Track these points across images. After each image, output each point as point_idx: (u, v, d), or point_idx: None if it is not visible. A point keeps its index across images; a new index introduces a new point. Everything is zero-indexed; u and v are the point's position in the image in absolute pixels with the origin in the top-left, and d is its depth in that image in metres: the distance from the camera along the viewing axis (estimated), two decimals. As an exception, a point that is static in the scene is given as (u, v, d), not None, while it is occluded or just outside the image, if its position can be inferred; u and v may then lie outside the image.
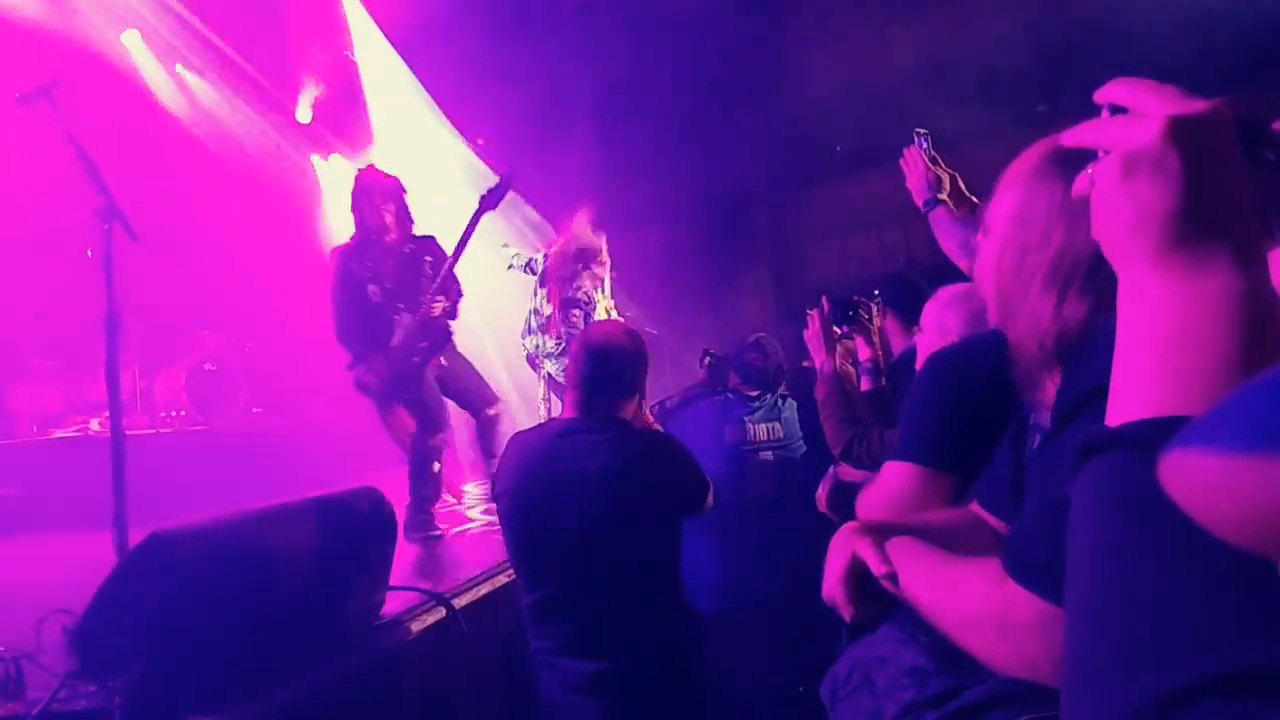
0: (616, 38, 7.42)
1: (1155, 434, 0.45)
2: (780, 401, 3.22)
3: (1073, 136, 0.57)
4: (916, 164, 2.07)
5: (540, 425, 2.29)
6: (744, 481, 3.07)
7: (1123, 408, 0.50)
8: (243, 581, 1.79)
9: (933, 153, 2.12)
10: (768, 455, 3.11)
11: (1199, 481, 0.35)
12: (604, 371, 2.11)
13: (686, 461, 2.21)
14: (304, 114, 8.00)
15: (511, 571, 2.69)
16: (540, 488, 2.05)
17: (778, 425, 3.15)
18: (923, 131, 2.14)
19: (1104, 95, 0.55)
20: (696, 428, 3.12)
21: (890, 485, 1.38)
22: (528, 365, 5.27)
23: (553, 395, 4.91)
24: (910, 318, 2.65)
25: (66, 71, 2.77)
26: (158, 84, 7.18)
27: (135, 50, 6.90)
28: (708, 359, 3.43)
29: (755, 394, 3.17)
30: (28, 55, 5.30)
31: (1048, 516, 0.77)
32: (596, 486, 1.99)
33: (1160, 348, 0.49)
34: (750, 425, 3.12)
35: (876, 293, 4.07)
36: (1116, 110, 0.55)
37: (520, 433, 2.25)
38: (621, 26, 7.43)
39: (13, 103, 2.75)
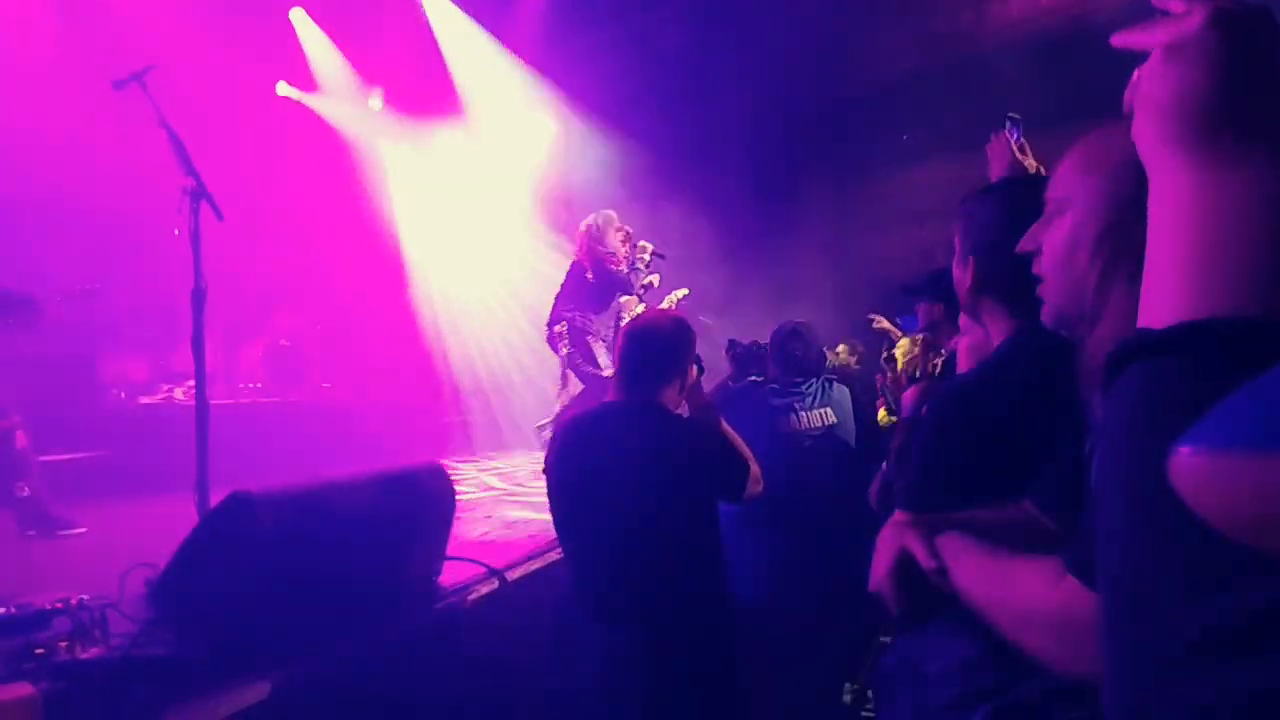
0: (677, 24, 7.38)
1: (1188, 338, 0.44)
2: (828, 385, 3.11)
3: (1123, 39, 0.55)
4: (1003, 151, 1.95)
5: (589, 408, 2.33)
6: (802, 471, 2.97)
7: (1152, 312, 0.48)
8: (314, 543, 1.88)
9: (1022, 140, 1.99)
10: (825, 442, 3.02)
11: (1208, 481, 0.34)
12: (643, 357, 2.16)
13: (723, 446, 2.24)
14: (376, 103, 8.22)
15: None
16: (580, 467, 2.11)
17: (829, 410, 3.05)
18: (1015, 117, 2.00)
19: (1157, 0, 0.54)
20: (748, 421, 3.02)
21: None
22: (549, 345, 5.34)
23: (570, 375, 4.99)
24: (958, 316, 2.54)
25: (158, 57, 2.90)
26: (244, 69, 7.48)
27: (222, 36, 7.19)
28: (736, 348, 3.31)
29: (800, 380, 3.07)
30: (121, 41, 5.58)
31: None
32: (630, 467, 2.02)
33: (1190, 246, 0.47)
34: (803, 414, 3.03)
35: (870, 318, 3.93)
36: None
37: (570, 414, 2.31)
38: (683, 14, 7.39)
39: (108, 87, 2.91)
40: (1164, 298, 0.47)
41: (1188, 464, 0.34)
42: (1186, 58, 0.50)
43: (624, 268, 4.89)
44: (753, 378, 3.21)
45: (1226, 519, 0.33)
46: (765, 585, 2.93)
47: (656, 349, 2.17)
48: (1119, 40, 0.56)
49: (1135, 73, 0.55)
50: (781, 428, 3.00)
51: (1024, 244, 0.96)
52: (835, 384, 3.16)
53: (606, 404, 2.26)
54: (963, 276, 1.41)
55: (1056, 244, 0.90)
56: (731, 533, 3.04)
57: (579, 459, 2.13)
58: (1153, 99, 0.52)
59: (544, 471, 2.26)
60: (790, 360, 3.09)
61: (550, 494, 2.21)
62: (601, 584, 2.11)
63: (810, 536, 2.92)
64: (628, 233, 5.03)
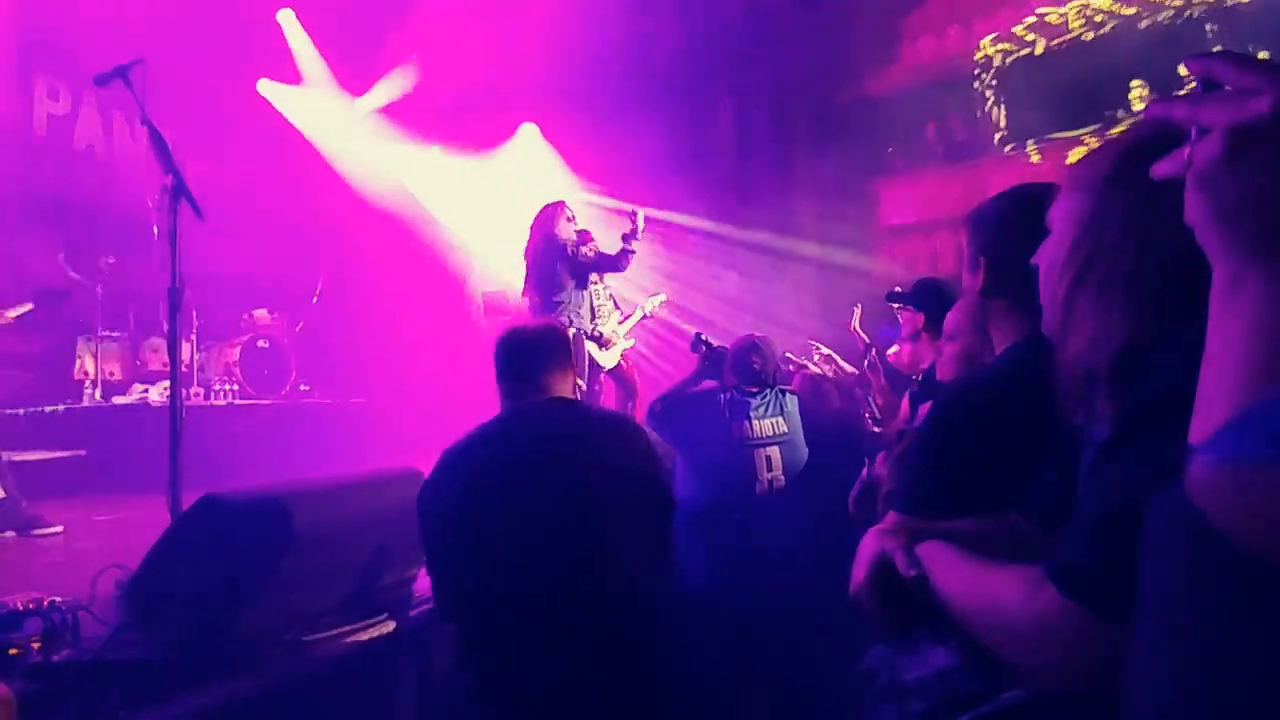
0: (668, 34, 7.43)
1: None
2: (781, 396, 3.24)
3: (1163, 110, 0.51)
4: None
5: (471, 433, 1.86)
6: (750, 477, 3.08)
7: (1211, 419, 0.44)
8: (288, 547, 1.85)
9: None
10: (773, 450, 3.12)
11: (1223, 491, 0.34)
12: (530, 354, 1.90)
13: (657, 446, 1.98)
14: (363, 106, 8.18)
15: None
16: (509, 491, 1.70)
17: (781, 420, 3.18)
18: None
19: (1198, 68, 0.49)
20: (703, 425, 3.16)
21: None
22: None
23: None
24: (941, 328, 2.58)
25: (142, 53, 2.87)
26: (225, 70, 7.43)
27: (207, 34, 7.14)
28: (702, 347, 3.41)
29: (755, 390, 3.19)
30: (106, 35, 5.52)
31: (1103, 529, 0.75)
32: (588, 469, 1.71)
33: (1259, 351, 0.44)
34: (755, 421, 3.14)
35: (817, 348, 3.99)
36: (1211, 86, 0.49)
37: (449, 449, 1.87)
38: (675, 23, 7.44)
39: (90, 82, 2.87)
40: (1225, 406, 0.44)
41: (1204, 474, 0.34)
42: (1257, 150, 0.46)
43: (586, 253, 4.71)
44: (708, 382, 3.31)
45: (1241, 529, 0.33)
46: (712, 585, 3.04)
47: (538, 345, 1.92)
48: (1159, 111, 0.51)
49: (1188, 148, 0.50)
50: (734, 434, 3.13)
51: (1034, 259, 0.97)
52: (788, 395, 3.28)
53: (504, 416, 1.86)
54: (973, 281, 1.42)
55: (1042, 261, 0.93)
56: (683, 532, 3.13)
57: (499, 483, 1.70)
58: (1215, 191, 0.48)
59: (425, 516, 1.77)
60: (748, 371, 3.22)
61: (447, 541, 1.72)
62: (518, 640, 1.65)
63: (760, 539, 3.03)
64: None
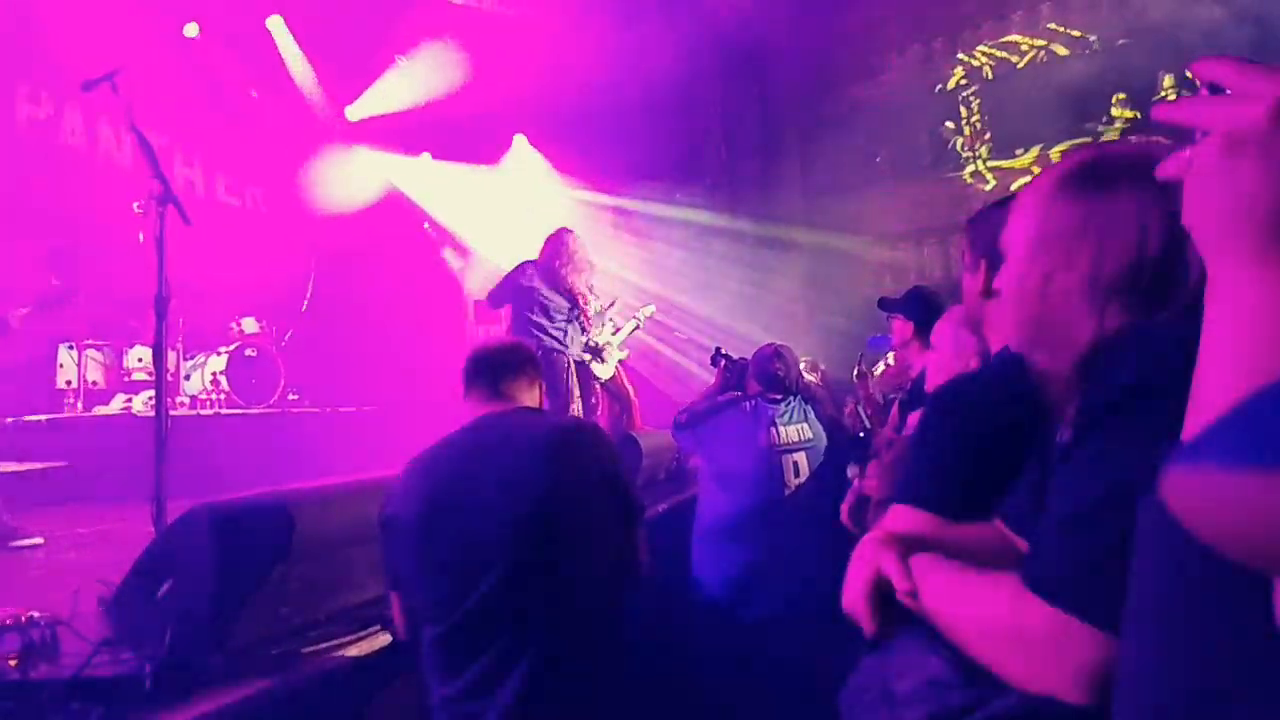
0: (658, 40, 7.46)
1: None
2: (804, 403, 3.28)
3: (1167, 112, 0.51)
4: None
5: (444, 439, 1.88)
6: (778, 484, 3.10)
7: (1201, 419, 0.45)
8: (277, 557, 1.83)
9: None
10: (799, 456, 3.14)
11: (1204, 497, 0.34)
12: (497, 361, 1.95)
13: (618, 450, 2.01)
14: (354, 112, 8.17)
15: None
16: (458, 492, 1.72)
17: (805, 426, 3.21)
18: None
19: (1203, 71, 0.50)
20: (729, 433, 3.18)
21: (899, 530, 1.33)
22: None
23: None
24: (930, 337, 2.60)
25: (129, 60, 2.85)
26: (212, 75, 7.40)
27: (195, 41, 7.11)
28: (722, 361, 3.47)
29: (779, 398, 3.21)
30: (92, 43, 5.48)
31: (1070, 528, 0.75)
32: (539, 462, 1.72)
33: (1252, 351, 0.45)
34: (781, 428, 3.16)
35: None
36: (1215, 90, 0.50)
37: (413, 458, 1.88)
38: (664, 30, 7.47)
39: (78, 88, 2.85)
40: (1220, 407, 0.44)
41: (1182, 480, 0.34)
42: (1250, 155, 0.46)
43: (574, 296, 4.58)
44: (732, 392, 3.34)
45: (1220, 535, 0.33)
46: (741, 593, 3.06)
47: (505, 357, 1.96)
48: (1163, 114, 0.52)
49: (1189, 150, 0.51)
50: (761, 441, 3.14)
51: (995, 285, 0.98)
52: (809, 402, 3.31)
53: (469, 425, 1.87)
54: (973, 282, 1.43)
55: (1005, 285, 0.94)
56: (707, 542, 3.15)
57: (463, 491, 1.70)
58: (1211, 193, 0.49)
59: (388, 525, 1.77)
60: (771, 379, 3.25)
61: (411, 551, 1.72)
62: (496, 629, 1.65)
63: (789, 546, 3.06)
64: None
